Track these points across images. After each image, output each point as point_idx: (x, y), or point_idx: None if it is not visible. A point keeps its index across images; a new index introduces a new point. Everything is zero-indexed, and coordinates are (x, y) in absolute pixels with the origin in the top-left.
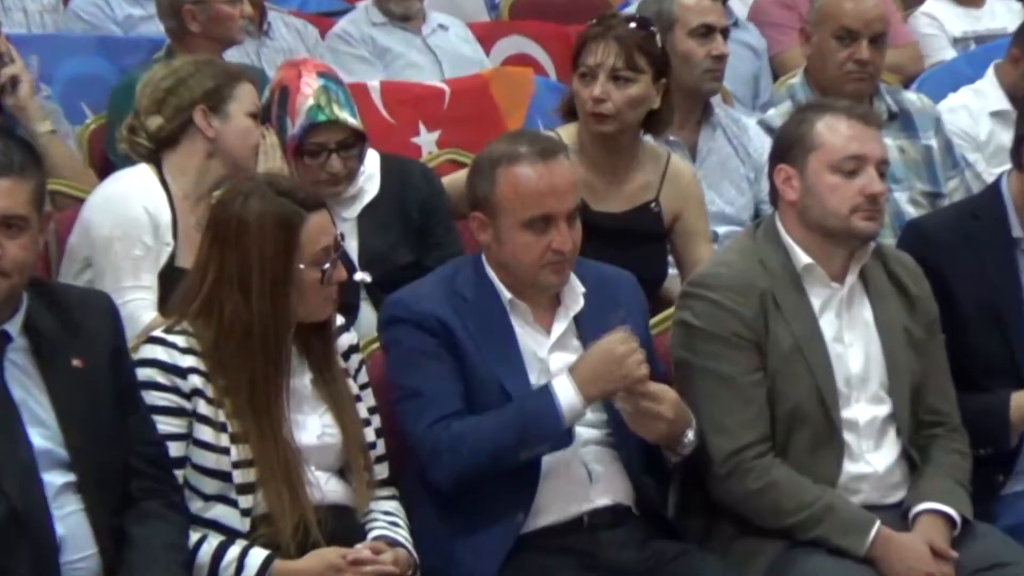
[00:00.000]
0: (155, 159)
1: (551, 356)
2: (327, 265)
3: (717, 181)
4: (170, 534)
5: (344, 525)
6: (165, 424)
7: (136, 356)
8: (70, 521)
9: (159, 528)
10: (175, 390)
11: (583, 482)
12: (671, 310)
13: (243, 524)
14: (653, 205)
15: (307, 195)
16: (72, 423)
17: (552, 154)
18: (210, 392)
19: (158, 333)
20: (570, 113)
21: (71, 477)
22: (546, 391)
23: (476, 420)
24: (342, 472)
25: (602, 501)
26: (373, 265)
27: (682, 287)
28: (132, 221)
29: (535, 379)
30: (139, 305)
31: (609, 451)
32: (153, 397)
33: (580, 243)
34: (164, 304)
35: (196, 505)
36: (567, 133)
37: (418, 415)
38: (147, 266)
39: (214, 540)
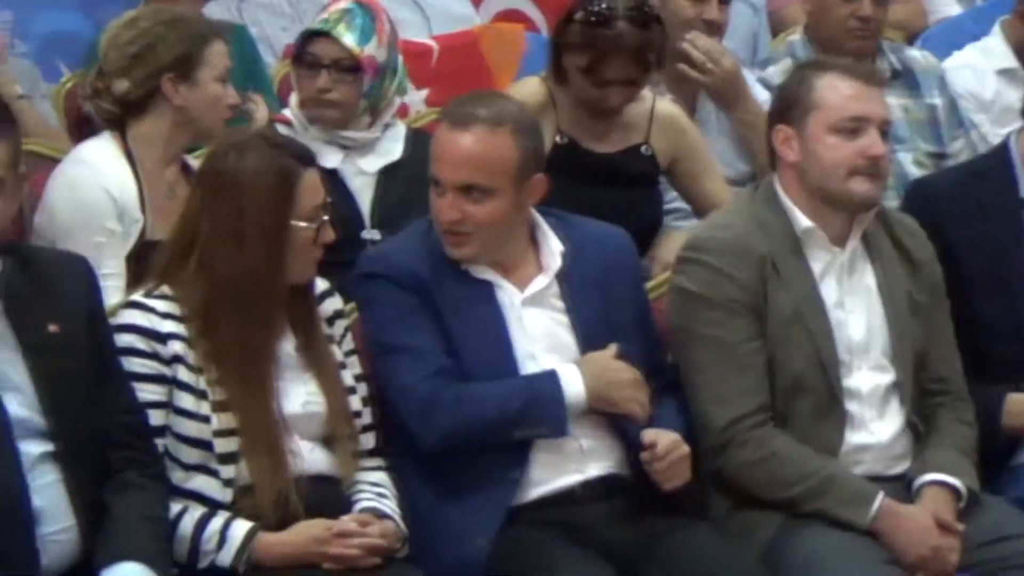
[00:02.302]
0: (120, 123)
1: (526, 311)
2: (319, 223)
3: (715, 140)
4: (150, 505)
5: (329, 496)
6: (145, 391)
7: (114, 321)
8: (47, 492)
9: (138, 499)
10: (155, 356)
11: (575, 453)
12: (667, 275)
13: (225, 495)
14: (644, 148)
15: (301, 150)
16: (49, 390)
17: (462, 123)
18: (191, 359)
19: (137, 297)
20: (558, 74)
21: (49, 447)
22: (553, 376)
23: (480, 384)
24: (327, 442)
25: (594, 471)
26: (384, 224)
27: (679, 251)
28: (92, 207)
29: (512, 330)
30: (105, 294)
31: (601, 420)
32: (132, 364)
33: (481, 219)
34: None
35: (177, 475)
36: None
37: (410, 367)
38: (111, 252)
39: (196, 511)
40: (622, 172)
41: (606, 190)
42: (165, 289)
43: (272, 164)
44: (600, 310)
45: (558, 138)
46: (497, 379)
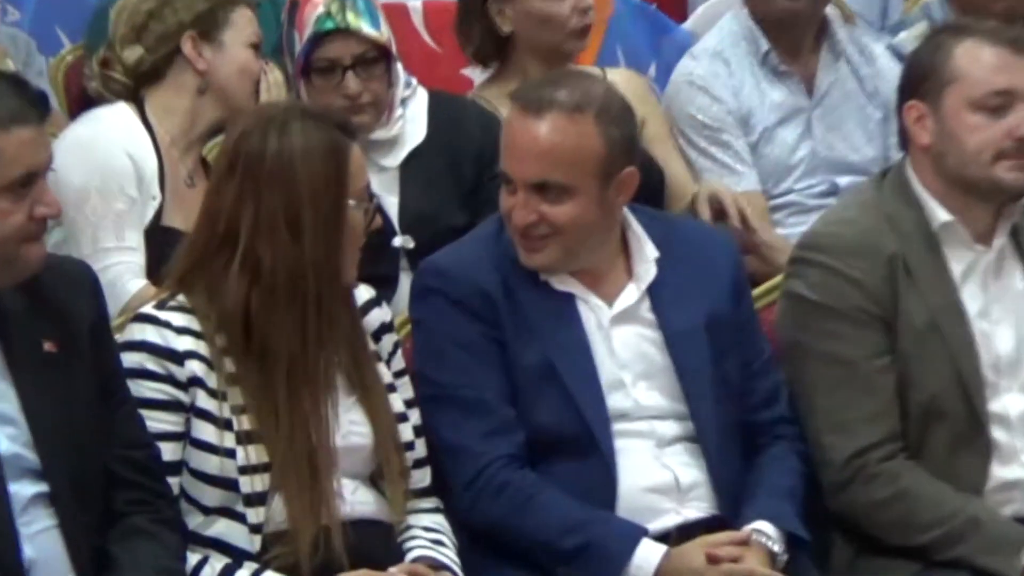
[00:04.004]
0: (135, 97)
1: (615, 329)
2: (367, 206)
3: (839, 122)
4: (162, 555)
5: (376, 543)
6: (157, 421)
7: (121, 338)
8: (41, 540)
9: (149, 548)
10: (170, 379)
11: (670, 490)
12: (778, 279)
13: (252, 543)
14: None
15: (343, 120)
16: (44, 421)
17: (536, 108)
18: (212, 382)
19: (148, 310)
20: (495, 52)
21: (42, 487)
22: (633, 537)
23: (549, 496)
24: (373, 479)
25: (693, 513)
26: (416, 227)
27: (793, 251)
28: (112, 168)
29: (597, 354)
30: (123, 269)
31: (698, 450)
32: (143, 388)
33: (560, 221)
34: (151, 269)
35: (195, 520)
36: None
37: (461, 424)
38: (132, 222)
39: (217, 563)
40: None
41: None
42: (181, 300)
43: (322, 139)
44: (697, 326)
45: None
46: (579, 412)
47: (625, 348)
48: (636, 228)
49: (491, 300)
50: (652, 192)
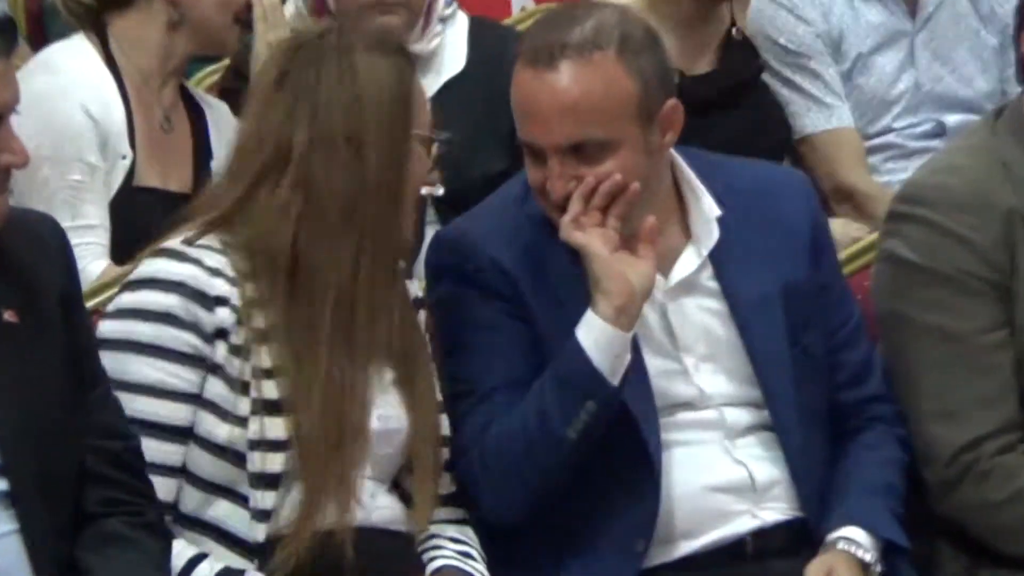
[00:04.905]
0: (98, 25)
1: (673, 305)
2: (431, 141)
3: (948, 49)
4: (142, 565)
5: (391, 554)
6: (170, 375)
7: (135, 276)
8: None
9: (126, 556)
10: (194, 327)
11: (743, 488)
12: (871, 237)
13: (253, 531)
14: (734, 32)
15: (400, 42)
16: (3, 405)
17: (547, 59)
18: (237, 337)
19: (174, 244)
20: None
21: (2, 484)
22: (572, 347)
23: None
24: (395, 483)
25: (772, 515)
26: (449, 171)
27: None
28: (67, 132)
29: (650, 335)
30: (83, 252)
31: (776, 441)
32: (163, 335)
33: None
34: (124, 242)
35: (194, 500)
36: None
37: (463, 420)
38: (91, 196)
39: (216, 564)
40: (727, 85)
41: (728, 118)
42: (211, 240)
43: (386, 61)
44: (770, 294)
45: None
46: (621, 403)
47: (685, 326)
48: (692, 180)
49: (509, 276)
50: (776, 149)
